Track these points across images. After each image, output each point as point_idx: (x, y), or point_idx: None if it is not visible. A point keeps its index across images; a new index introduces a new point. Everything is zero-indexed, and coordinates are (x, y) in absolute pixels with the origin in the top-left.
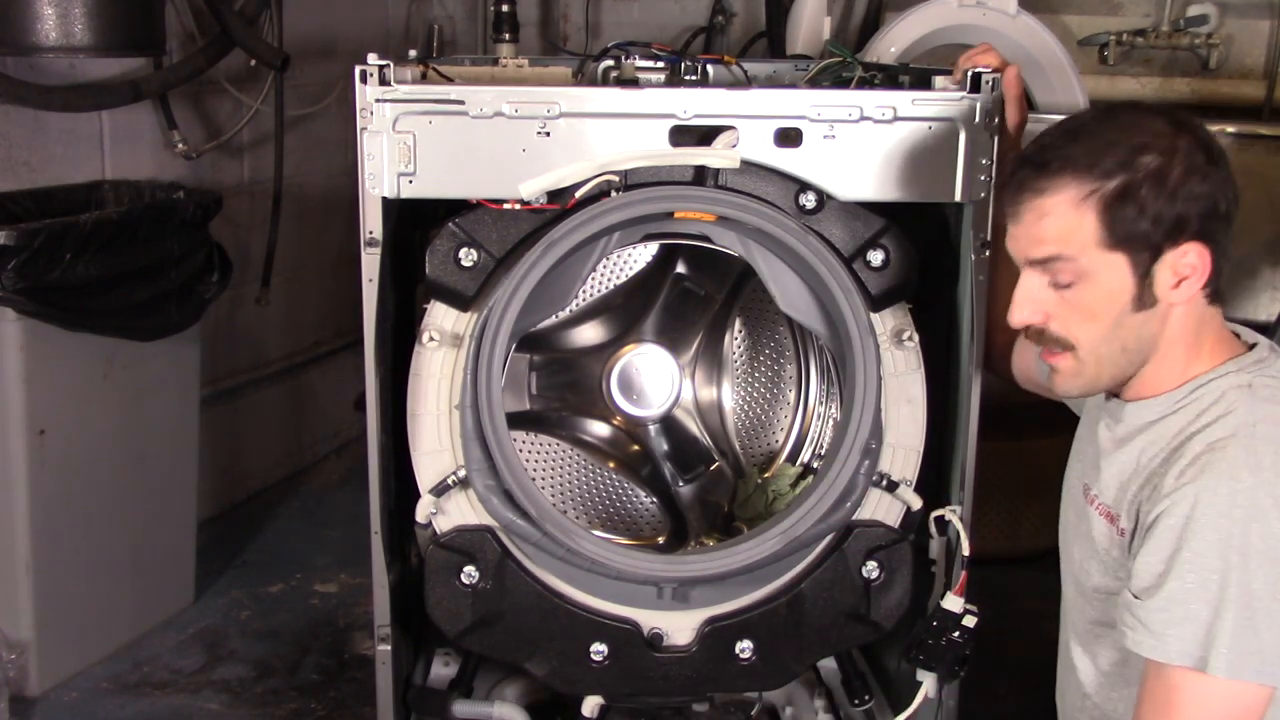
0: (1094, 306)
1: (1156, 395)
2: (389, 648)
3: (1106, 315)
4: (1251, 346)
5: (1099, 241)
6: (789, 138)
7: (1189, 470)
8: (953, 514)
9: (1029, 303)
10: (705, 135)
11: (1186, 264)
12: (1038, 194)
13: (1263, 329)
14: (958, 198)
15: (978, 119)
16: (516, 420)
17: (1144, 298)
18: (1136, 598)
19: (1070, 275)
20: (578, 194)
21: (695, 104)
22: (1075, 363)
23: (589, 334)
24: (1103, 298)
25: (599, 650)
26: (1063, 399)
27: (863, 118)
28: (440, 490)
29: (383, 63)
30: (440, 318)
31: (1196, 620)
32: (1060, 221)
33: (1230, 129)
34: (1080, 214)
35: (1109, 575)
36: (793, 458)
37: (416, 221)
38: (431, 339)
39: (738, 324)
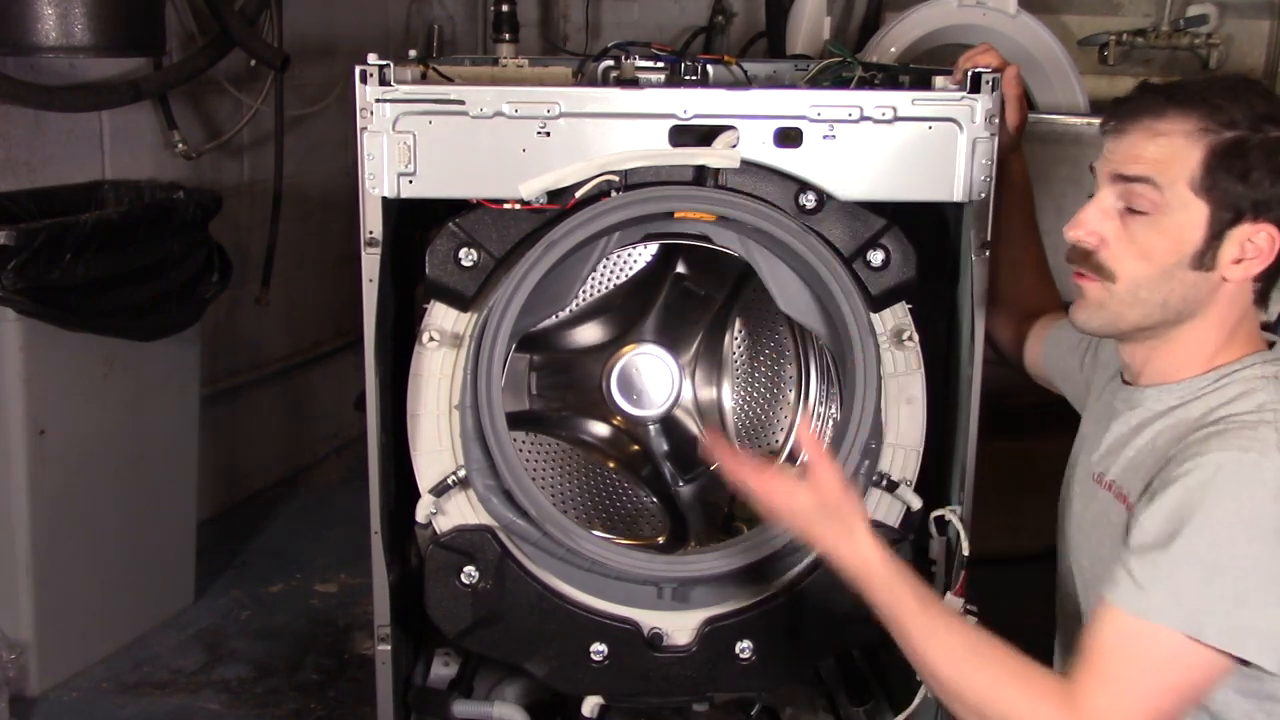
0: (1153, 246)
1: (1179, 380)
2: (389, 648)
3: (1160, 260)
4: (1271, 345)
5: (1192, 181)
6: (789, 138)
7: (1214, 440)
8: (953, 514)
9: (1091, 221)
10: (705, 135)
11: (1254, 244)
12: (1156, 115)
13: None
14: (958, 198)
15: (978, 119)
16: (516, 420)
17: (1205, 257)
18: (1134, 554)
19: (1148, 204)
20: (578, 194)
21: (695, 104)
22: (1104, 294)
23: (589, 334)
24: (1168, 239)
25: (599, 650)
26: (1080, 329)
27: (863, 118)
28: (440, 490)
29: (383, 63)
30: (440, 318)
31: (1191, 586)
32: (1168, 146)
33: None
34: (1189, 146)
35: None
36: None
37: (416, 221)
38: (431, 339)
39: (738, 324)
